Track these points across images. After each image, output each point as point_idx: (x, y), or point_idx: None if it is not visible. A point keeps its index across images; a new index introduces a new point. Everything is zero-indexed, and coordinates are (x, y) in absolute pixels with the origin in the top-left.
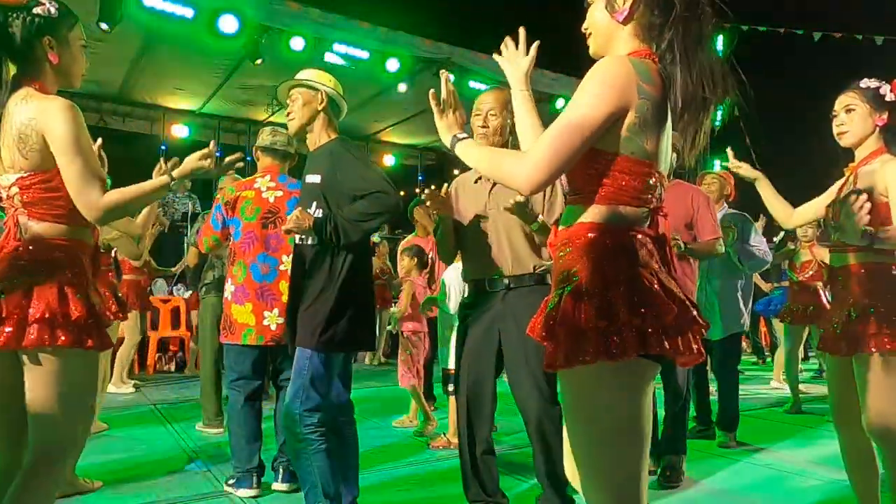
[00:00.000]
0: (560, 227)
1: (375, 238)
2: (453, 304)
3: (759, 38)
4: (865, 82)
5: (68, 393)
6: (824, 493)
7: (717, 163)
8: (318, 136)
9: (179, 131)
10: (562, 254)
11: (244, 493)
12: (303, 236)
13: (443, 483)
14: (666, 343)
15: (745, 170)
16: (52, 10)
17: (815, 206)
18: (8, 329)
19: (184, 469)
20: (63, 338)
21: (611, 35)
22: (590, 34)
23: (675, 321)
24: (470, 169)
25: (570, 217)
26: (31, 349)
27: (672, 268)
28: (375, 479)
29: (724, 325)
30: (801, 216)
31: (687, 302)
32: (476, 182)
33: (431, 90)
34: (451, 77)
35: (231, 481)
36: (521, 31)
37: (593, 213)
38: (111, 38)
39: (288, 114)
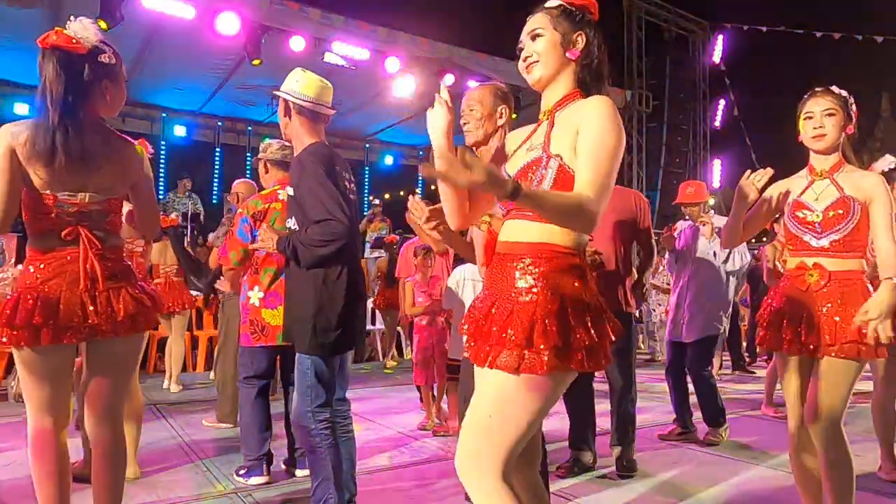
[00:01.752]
0: (514, 240)
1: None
2: (468, 299)
3: (760, 38)
4: (837, 90)
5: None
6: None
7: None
8: (299, 143)
9: (179, 131)
10: (521, 267)
11: (256, 480)
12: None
13: (443, 483)
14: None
15: (749, 187)
16: (114, 59)
17: (758, 220)
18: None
19: (184, 468)
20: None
21: (559, 69)
22: (535, 62)
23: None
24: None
25: (532, 234)
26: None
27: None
28: (376, 479)
29: (700, 328)
30: (747, 232)
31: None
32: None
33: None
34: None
35: (241, 472)
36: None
37: (567, 238)
38: (111, 38)
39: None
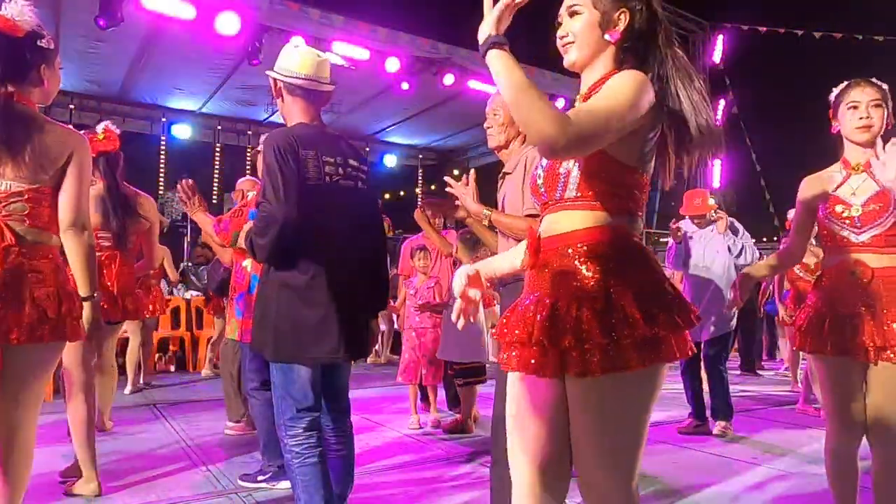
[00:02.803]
0: (551, 232)
1: None
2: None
3: (760, 38)
4: (878, 82)
5: None
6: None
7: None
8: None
9: (179, 131)
10: (578, 255)
11: (285, 484)
12: None
13: (443, 483)
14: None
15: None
16: (52, 44)
17: (803, 229)
18: None
19: (184, 469)
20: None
21: (597, 51)
22: (571, 43)
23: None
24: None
25: (579, 221)
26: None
27: None
28: (375, 480)
29: (715, 327)
30: (798, 250)
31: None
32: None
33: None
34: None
35: (262, 477)
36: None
37: (613, 220)
38: (111, 38)
39: None
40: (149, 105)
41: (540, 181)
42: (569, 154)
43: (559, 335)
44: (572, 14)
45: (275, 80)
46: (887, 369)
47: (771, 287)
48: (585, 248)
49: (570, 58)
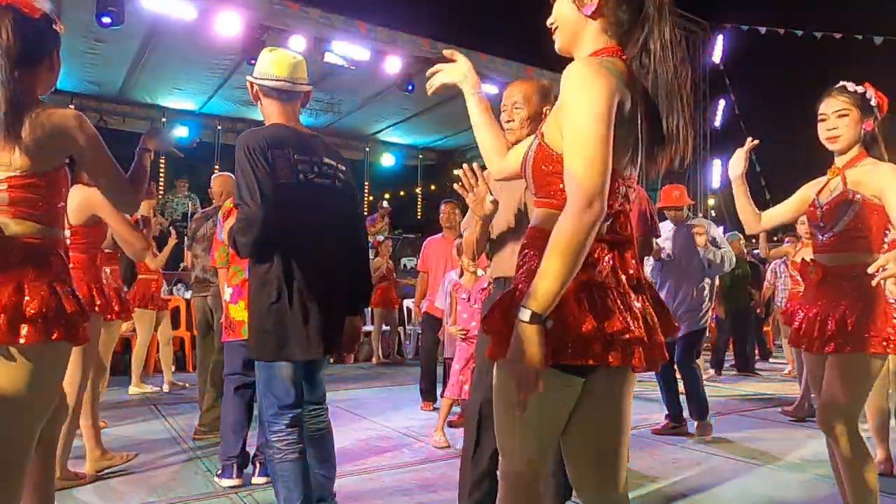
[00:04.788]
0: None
1: (380, 237)
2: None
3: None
4: (852, 86)
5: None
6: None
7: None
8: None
9: (179, 131)
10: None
11: (227, 482)
12: None
13: (443, 482)
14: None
15: (739, 158)
16: (63, 29)
17: (783, 210)
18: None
19: (184, 468)
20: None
21: (578, 30)
22: (556, 28)
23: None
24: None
25: (547, 220)
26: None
27: (631, 269)
28: (376, 480)
29: (686, 325)
30: (769, 219)
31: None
32: None
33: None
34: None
35: (218, 472)
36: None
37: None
38: (111, 38)
39: None
40: (149, 105)
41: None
42: (602, 203)
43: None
44: None
45: (251, 83)
46: (837, 359)
47: (772, 288)
48: (531, 249)
49: (557, 43)
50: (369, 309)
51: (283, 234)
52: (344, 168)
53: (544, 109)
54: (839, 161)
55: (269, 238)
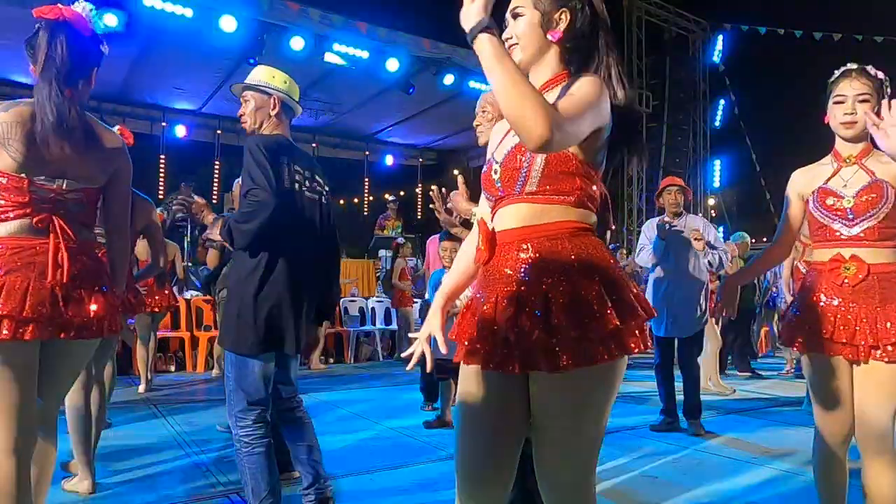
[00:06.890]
0: (508, 226)
1: (400, 239)
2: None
3: (760, 38)
4: (872, 70)
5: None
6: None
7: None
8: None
9: (179, 131)
10: (539, 250)
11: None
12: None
13: (443, 482)
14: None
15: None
16: (106, 50)
17: (793, 220)
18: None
19: (184, 468)
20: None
21: (541, 51)
22: (515, 45)
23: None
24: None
25: (543, 216)
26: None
27: None
28: (375, 480)
29: (689, 326)
30: (788, 240)
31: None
32: None
33: None
34: None
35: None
36: None
37: (574, 214)
38: (111, 38)
39: (240, 115)
40: (149, 105)
41: (496, 175)
42: (554, 149)
43: (527, 330)
44: (515, 16)
45: (271, 94)
46: (876, 369)
47: (773, 287)
48: (548, 242)
49: (516, 59)
50: (393, 309)
51: (278, 232)
52: (328, 189)
53: None
54: (848, 149)
55: (267, 231)
